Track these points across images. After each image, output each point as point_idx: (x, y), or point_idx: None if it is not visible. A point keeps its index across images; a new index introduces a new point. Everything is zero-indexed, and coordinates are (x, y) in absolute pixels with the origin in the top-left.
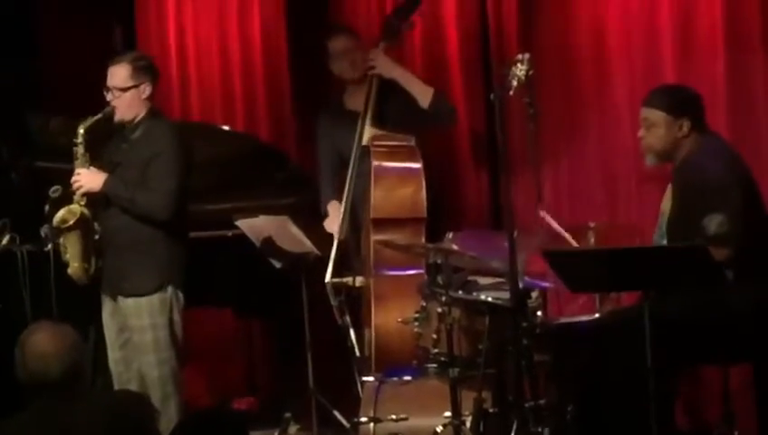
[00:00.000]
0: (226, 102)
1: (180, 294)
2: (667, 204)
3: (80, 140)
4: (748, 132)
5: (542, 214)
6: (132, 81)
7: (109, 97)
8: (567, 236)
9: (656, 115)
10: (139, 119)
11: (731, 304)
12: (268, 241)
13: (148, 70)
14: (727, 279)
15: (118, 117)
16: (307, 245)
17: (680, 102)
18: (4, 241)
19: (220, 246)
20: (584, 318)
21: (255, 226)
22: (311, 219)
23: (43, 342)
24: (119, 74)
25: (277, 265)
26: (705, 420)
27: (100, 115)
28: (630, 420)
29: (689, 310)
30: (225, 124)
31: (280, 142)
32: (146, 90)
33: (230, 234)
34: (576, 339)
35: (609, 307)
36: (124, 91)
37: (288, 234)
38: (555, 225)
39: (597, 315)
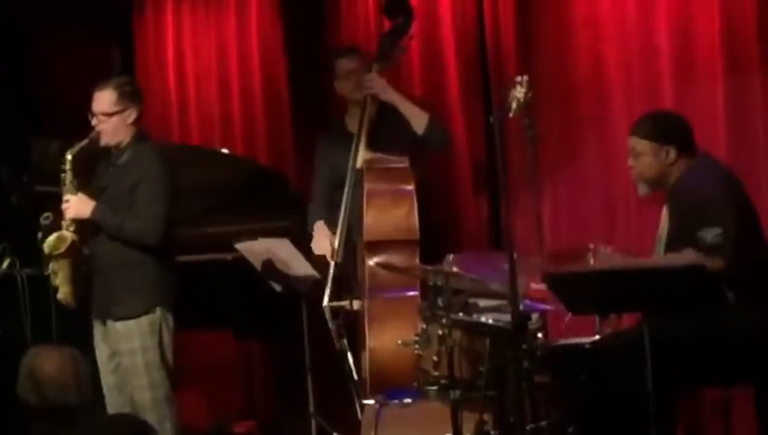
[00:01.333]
0: (225, 126)
1: (170, 316)
2: (664, 225)
3: (68, 166)
4: (746, 155)
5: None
6: (118, 106)
7: (94, 122)
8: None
9: (642, 144)
10: (125, 143)
11: (732, 324)
12: (268, 264)
13: (133, 95)
14: (728, 300)
15: (103, 142)
16: (308, 268)
17: (665, 129)
18: (5, 265)
19: (220, 269)
20: (584, 340)
21: (255, 249)
22: (309, 243)
23: (60, 367)
24: (104, 99)
25: (277, 288)
26: None
27: (86, 141)
28: None
29: (690, 331)
30: (225, 147)
31: (278, 165)
32: (131, 115)
33: (230, 257)
34: (576, 361)
35: (609, 329)
36: (110, 117)
37: (288, 257)
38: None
39: (597, 337)
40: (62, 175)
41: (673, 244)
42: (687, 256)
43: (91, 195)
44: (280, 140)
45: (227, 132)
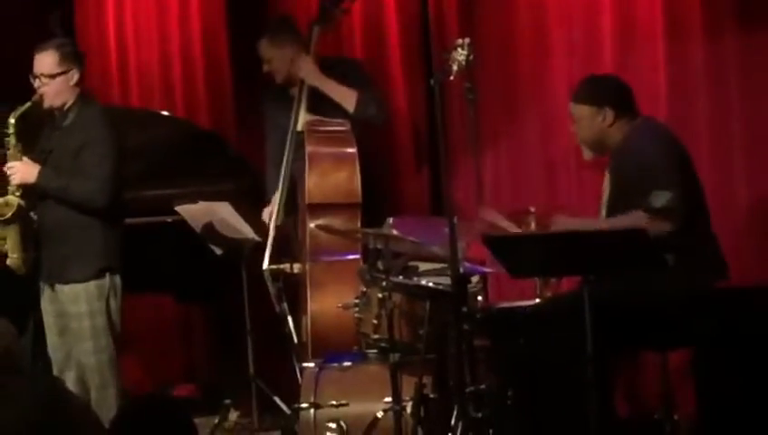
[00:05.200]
0: (166, 89)
1: (118, 281)
2: (607, 188)
3: (11, 130)
4: (687, 119)
5: (485, 212)
6: (60, 67)
7: (36, 84)
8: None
9: (580, 109)
10: (68, 105)
11: (671, 288)
12: (208, 227)
13: (75, 56)
14: (668, 263)
15: (46, 104)
16: (247, 231)
17: (600, 92)
18: None
19: (160, 232)
20: (524, 303)
21: (195, 212)
22: (250, 206)
23: None
24: (46, 61)
25: (217, 251)
26: (644, 405)
27: (29, 104)
28: (570, 405)
29: (629, 295)
30: (165, 110)
31: (220, 129)
32: (74, 76)
33: (170, 220)
34: (516, 324)
35: (549, 293)
36: (52, 78)
37: (228, 220)
38: (500, 220)
39: (537, 301)
40: (6, 139)
41: (615, 206)
42: (637, 218)
43: (36, 159)
44: (221, 103)
45: (168, 96)
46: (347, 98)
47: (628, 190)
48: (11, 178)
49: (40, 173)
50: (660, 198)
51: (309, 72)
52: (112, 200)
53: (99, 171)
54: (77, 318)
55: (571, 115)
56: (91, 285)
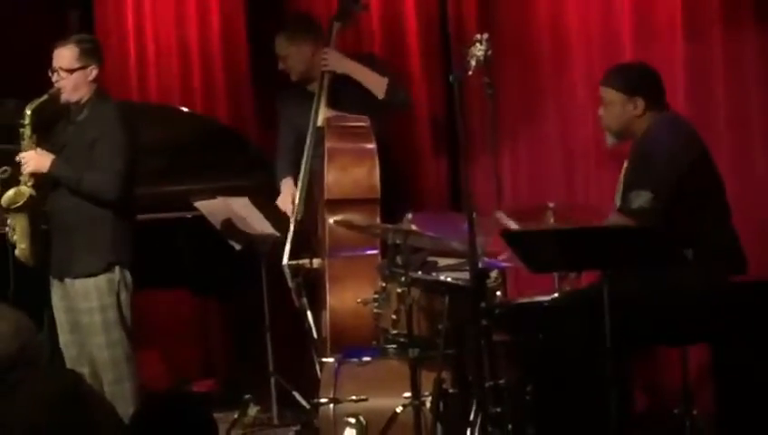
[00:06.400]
0: (185, 84)
1: (128, 275)
2: (622, 179)
3: (27, 121)
4: (706, 115)
5: (499, 215)
6: (79, 62)
7: (55, 78)
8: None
9: (611, 94)
10: (84, 100)
11: (689, 283)
12: (227, 223)
13: (94, 52)
14: (686, 259)
15: (64, 98)
16: (266, 227)
17: (634, 80)
18: None
19: (179, 227)
20: (543, 298)
21: (214, 207)
22: (269, 201)
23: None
24: (65, 56)
25: (236, 246)
26: (664, 400)
27: (45, 96)
28: (589, 400)
29: (648, 290)
30: (184, 106)
31: (238, 125)
32: (92, 72)
33: (189, 215)
34: (535, 319)
35: (567, 287)
36: (71, 73)
37: (247, 216)
38: (512, 224)
39: (556, 295)
40: (21, 130)
41: (625, 197)
42: (616, 220)
43: (50, 151)
44: (239, 99)
45: (187, 94)
46: (378, 83)
47: (628, 181)
48: (24, 167)
49: (53, 163)
50: (637, 199)
51: (337, 60)
52: (124, 194)
53: (112, 165)
54: (88, 313)
55: (601, 99)
56: (101, 279)
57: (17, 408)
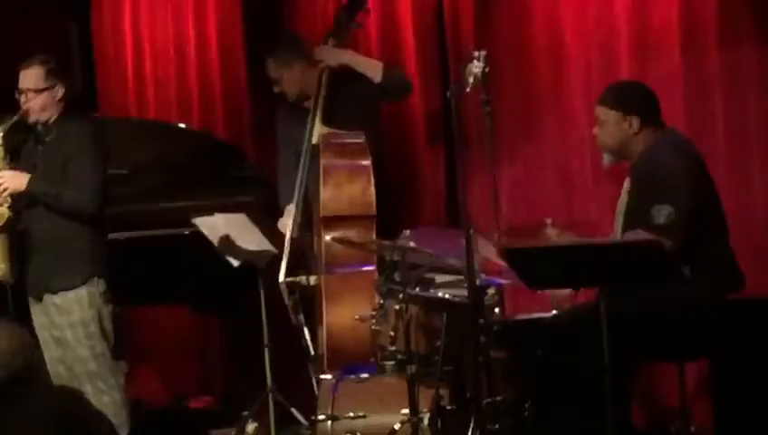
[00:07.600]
0: (183, 100)
1: (105, 287)
2: (624, 199)
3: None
4: (704, 130)
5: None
6: (46, 82)
7: (22, 100)
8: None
9: (606, 113)
10: (53, 120)
11: (687, 299)
12: (225, 239)
13: (60, 72)
14: (684, 275)
15: (32, 119)
16: (264, 243)
17: (628, 99)
18: None
19: (177, 244)
20: (541, 315)
21: (212, 224)
22: (266, 218)
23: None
24: (32, 76)
25: (234, 263)
26: (661, 416)
27: (16, 117)
28: (587, 416)
29: (645, 306)
30: (182, 122)
31: (236, 139)
32: (59, 91)
33: (187, 232)
34: (533, 336)
35: (565, 304)
36: (38, 93)
37: (245, 232)
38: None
39: (554, 312)
40: None
41: (631, 219)
42: (639, 236)
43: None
44: (237, 115)
45: (184, 109)
46: (373, 67)
47: (641, 203)
48: (0, 187)
49: (30, 181)
50: (661, 213)
51: (330, 53)
52: (101, 209)
53: (89, 179)
54: (70, 328)
55: (597, 118)
56: (81, 292)
57: (18, 425)
